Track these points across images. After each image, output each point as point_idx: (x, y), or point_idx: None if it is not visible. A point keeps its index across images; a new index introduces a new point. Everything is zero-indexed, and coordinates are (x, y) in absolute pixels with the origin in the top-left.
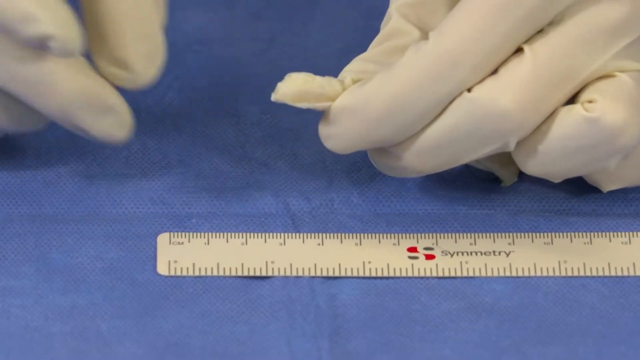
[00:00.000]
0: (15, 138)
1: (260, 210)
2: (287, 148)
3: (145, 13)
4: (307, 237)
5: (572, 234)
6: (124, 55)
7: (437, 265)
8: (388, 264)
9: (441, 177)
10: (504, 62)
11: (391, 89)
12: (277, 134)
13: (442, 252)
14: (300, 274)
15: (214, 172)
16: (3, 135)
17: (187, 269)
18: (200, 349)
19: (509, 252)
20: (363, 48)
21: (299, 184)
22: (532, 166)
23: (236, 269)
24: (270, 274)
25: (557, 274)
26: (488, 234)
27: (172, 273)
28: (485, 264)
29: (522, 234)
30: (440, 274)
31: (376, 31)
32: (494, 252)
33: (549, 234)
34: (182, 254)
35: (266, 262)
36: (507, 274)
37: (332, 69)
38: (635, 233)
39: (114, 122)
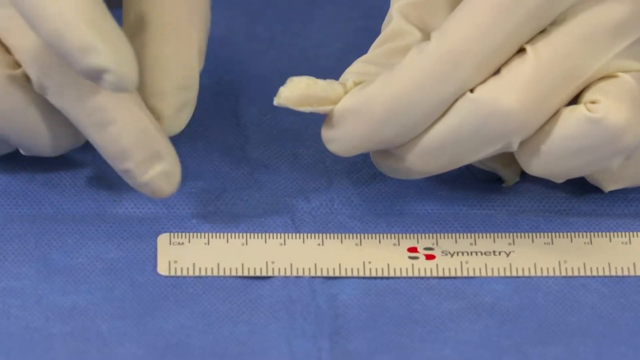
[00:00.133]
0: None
1: (260, 211)
2: (287, 148)
3: (188, 60)
4: (307, 237)
5: (572, 234)
6: (159, 105)
7: (437, 265)
8: (388, 264)
9: (441, 177)
10: (506, 62)
11: (394, 90)
12: (277, 135)
13: (443, 252)
14: (300, 274)
15: (214, 173)
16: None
17: (187, 269)
18: (200, 349)
19: (509, 252)
20: (363, 48)
21: (299, 184)
22: (535, 166)
23: (236, 269)
24: (270, 274)
25: (557, 274)
26: (488, 234)
27: (172, 273)
28: (486, 264)
29: (522, 234)
30: (441, 274)
31: (376, 31)
32: (494, 252)
33: (549, 234)
34: (182, 254)
35: (266, 262)
36: (507, 274)
37: (332, 69)
38: (635, 233)
39: (161, 172)
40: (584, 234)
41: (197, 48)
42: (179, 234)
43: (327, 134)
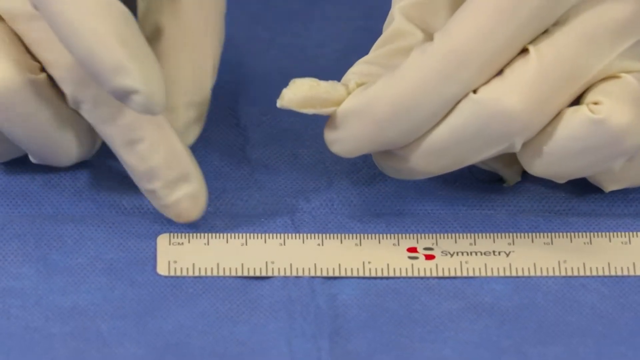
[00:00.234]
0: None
1: (260, 211)
2: (287, 149)
3: (201, 76)
4: (307, 238)
5: (572, 234)
6: (170, 120)
7: (437, 265)
8: (388, 264)
9: (441, 177)
10: (509, 62)
11: (397, 91)
12: (277, 135)
13: (442, 252)
14: (300, 274)
15: (214, 173)
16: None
17: (187, 269)
18: (200, 349)
19: (509, 252)
20: (363, 48)
21: (299, 184)
22: (538, 167)
23: (236, 269)
24: (270, 274)
25: (557, 274)
26: (488, 234)
27: (172, 273)
28: (485, 264)
29: (522, 234)
30: (440, 274)
31: (376, 31)
32: (494, 252)
33: (549, 234)
34: (182, 255)
35: (266, 262)
36: (507, 274)
37: (332, 69)
38: (635, 233)
39: (188, 194)
40: (584, 234)
41: (211, 64)
42: (179, 234)
43: (330, 135)
